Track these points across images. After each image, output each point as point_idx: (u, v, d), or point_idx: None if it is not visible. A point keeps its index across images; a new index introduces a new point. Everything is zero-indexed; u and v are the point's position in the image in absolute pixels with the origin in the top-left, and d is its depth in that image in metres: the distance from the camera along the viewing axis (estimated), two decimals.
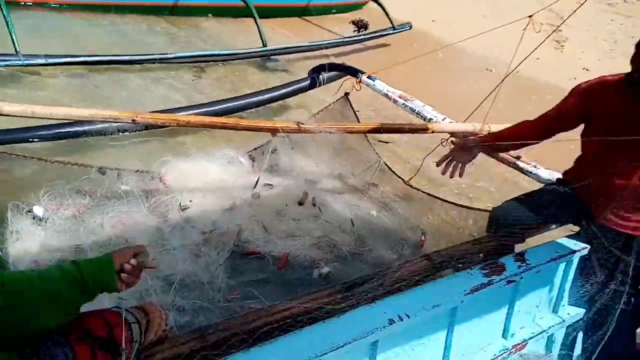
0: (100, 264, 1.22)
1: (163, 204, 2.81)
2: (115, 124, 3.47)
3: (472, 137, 2.86)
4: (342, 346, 1.58)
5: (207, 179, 3.15)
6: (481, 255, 2.28)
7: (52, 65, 5.34)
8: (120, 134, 3.89)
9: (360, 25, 8.12)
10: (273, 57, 6.79)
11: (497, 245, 2.30)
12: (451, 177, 2.72)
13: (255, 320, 1.55)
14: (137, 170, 3.06)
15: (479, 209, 3.30)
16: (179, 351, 1.38)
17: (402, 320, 1.74)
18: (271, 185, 3.26)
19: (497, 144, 2.65)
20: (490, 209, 2.72)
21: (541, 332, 2.43)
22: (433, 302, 1.86)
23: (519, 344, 2.34)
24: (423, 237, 3.07)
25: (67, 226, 2.61)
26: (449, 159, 2.69)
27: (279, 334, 1.55)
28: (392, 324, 1.71)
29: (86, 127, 3.68)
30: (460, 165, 2.69)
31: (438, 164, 2.75)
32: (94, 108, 2.79)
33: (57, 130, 3.65)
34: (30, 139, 3.55)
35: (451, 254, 2.14)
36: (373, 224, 3.13)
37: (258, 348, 1.49)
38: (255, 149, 3.61)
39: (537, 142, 2.67)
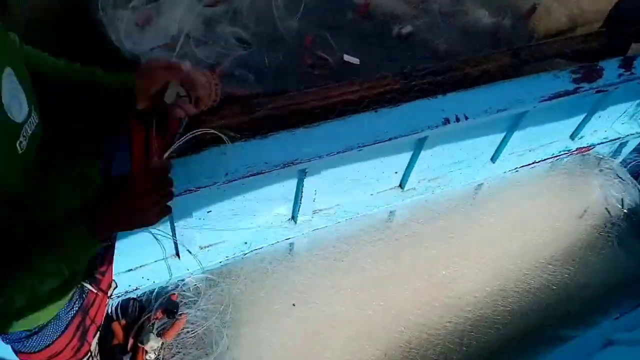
0: None
1: None
2: None
3: None
4: (388, 140, 1.58)
5: None
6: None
7: None
8: None
9: None
10: None
11: (607, 44, 1.95)
12: None
13: (306, 102, 1.53)
14: None
15: None
16: (227, 123, 1.44)
17: (458, 121, 1.65)
18: None
19: None
20: None
21: (615, 139, 2.29)
22: (499, 105, 1.72)
23: (584, 148, 2.24)
24: (534, 6, 2.60)
25: None
26: None
27: (328, 119, 1.54)
28: (446, 124, 1.64)
29: None
30: None
31: None
32: None
33: None
34: None
35: (544, 50, 1.85)
36: None
37: (303, 130, 1.51)
38: None
39: None
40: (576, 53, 1.91)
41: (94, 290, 1.30)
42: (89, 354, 1.38)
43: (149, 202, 0.93)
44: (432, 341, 1.99)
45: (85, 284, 1.26)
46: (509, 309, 2.12)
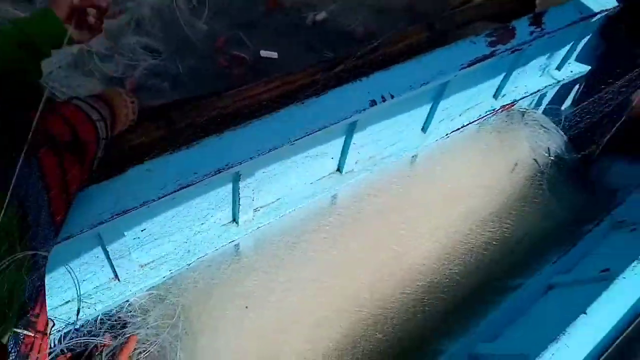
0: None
1: None
2: None
3: None
4: (318, 131, 1.55)
5: None
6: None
7: None
8: None
9: None
10: None
11: (518, 4, 1.99)
12: None
13: (228, 105, 1.47)
14: None
15: None
16: (147, 140, 1.36)
17: (384, 101, 1.65)
18: None
19: None
20: None
21: (535, 92, 2.37)
22: (422, 79, 1.73)
23: (507, 104, 2.31)
24: None
25: None
26: None
27: (254, 118, 1.49)
28: (373, 105, 1.64)
29: None
30: None
31: None
32: None
33: None
34: None
35: (456, 20, 1.87)
36: None
37: (230, 132, 1.46)
38: None
39: None
40: (490, 17, 1.95)
41: (30, 334, 1.21)
42: None
43: None
44: (387, 315, 2.04)
45: (18, 330, 1.18)
46: (456, 270, 2.20)
